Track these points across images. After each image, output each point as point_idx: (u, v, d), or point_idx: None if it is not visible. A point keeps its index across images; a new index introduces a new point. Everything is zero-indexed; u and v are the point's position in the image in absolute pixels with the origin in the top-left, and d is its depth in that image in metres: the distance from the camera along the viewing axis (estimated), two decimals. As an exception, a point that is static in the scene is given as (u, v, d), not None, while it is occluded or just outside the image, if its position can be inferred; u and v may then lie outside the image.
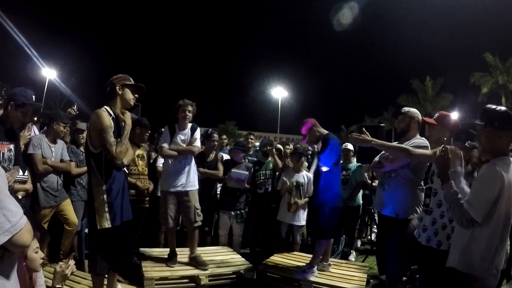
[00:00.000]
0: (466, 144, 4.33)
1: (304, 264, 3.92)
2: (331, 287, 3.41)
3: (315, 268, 3.62)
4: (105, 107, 2.59)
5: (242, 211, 4.60)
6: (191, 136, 3.75)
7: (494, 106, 1.92)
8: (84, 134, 4.16)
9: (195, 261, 3.67)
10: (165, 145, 3.66)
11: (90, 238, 2.79)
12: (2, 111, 2.80)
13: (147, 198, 4.15)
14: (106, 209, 2.50)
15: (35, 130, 4.23)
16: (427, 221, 2.47)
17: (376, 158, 3.29)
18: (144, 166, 4.17)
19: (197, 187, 3.80)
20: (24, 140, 3.42)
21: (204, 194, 4.23)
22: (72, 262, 2.02)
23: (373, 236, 5.23)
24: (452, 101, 27.57)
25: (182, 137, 3.73)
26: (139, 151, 4.07)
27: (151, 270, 3.43)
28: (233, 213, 4.49)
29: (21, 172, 3.00)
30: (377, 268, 3.66)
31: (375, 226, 5.28)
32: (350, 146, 5.13)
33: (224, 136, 6.70)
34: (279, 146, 5.35)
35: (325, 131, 3.73)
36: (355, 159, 5.16)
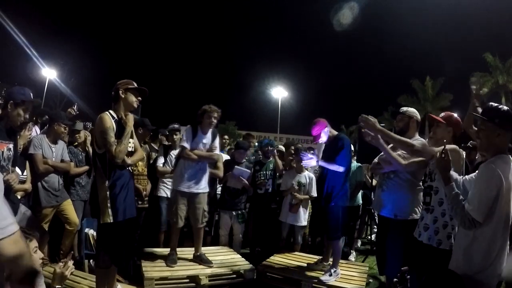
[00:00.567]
0: (469, 144, 4.33)
1: (305, 264, 3.94)
2: (331, 287, 3.41)
3: (339, 270, 3.63)
4: (109, 111, 2.77)
5: (243, 211, 4.60)
6: (212, 141, 3.82)
7: (497, 104, 1.93)
8: (81, 134, 4.19)
9: (199, 259, 3.74)
10: (187, 146, 3.69)
11: (97, 234, 2.92)
12: (1, 111, 2.81)
13: (146, 198, 4.16)
14: (108, 204, 2.65)
15: (36, 130, 4.24)
16: (428, 219, 2.46)
17: (375, 160, 3.29)
18: (143, 166, 4.20)
19: (208, 190, 3.88)
20: (25, 140, 3.42)
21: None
22: (71, 263, 2.01)
23: (373, 236, 5.23)
24: (452, 101, 27.59)
25: (204, 141, 3.78)
26: None
27: (151, 270, 3.42)
28: (234, 213, 4.49)
29: (19, 171, 3.03)
30: (377, 268, 3.66)
31: (375, 226, 5.28)
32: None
33: (226, 137, 6.71)
34: (281, 147, 5.36)
35: (335, 131, 3.70)
36: (355, 159, 5.16)
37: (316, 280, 3.51)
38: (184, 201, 3.72)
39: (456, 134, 2.66)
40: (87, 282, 3.01)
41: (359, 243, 5.61)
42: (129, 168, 2.88)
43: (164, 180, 4.31)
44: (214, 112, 3.74)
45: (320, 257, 3.99)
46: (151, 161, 4.53)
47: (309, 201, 4.48)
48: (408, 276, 2.82)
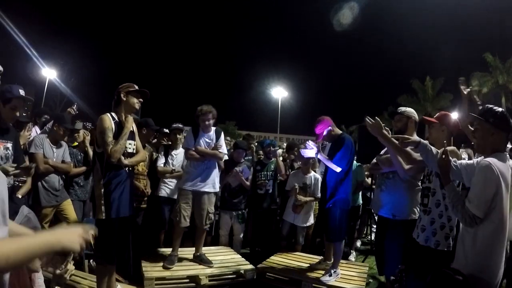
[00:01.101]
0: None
1: (305, 264, 3.94)
2: (331, 287, 3.41)
3: (339, 270, 3.63)
4: (111, 112, 2.85)
5: (244, 211, 4.60)
6: (216, 140, 3.81)
7: (493, 106, 2.00)
8: (80, 134, 4.20)
9: (199, 259, 3.74)
10: (190, 146, 3.73)
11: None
12: None
13: (145, 199, 4.14)
14: (102, 201, 2.72)
15: (36, 130, 4.24)
16: (425, 220, 2.46)
17: (374, 160, 3.29)
18: (144, 166, 4.18)
19: (216, 190, 3.87)
20: (24, 140, 3.42)
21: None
22: (71, 265, 2.01)
23: (373, 236, 5.23)
24: (452, 101, 27.58)
25: (207, 140, 3.80)
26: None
27: (151, 270, 3.43)
28: (234, 213, 4.50)
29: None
30: (377, 269, 3.66)
31: (375, 226, 5.28)
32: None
33: (229, 138, 6.71)
34: (280, 151, 5.35)
35: (340, 131, 3.67)
36: (355, 159, 5.16)
37: (316, 280, 3.51)
38: (188, 200, 3.71)
39: (452, 133, 2.66)
40: (87, 282, 3.01)
41: (359, 243, 5.61)
42: (127, 169, 2.89)
43: (165, 180, 4.30)
44: (206, 114, 3.73)
45: (321, 257, 3.99)
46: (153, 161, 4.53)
47: (315, 202, 4.48)
48: (404, 275, 2.81)
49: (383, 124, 2.76)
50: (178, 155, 4.35)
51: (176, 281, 3.43)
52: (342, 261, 4.23)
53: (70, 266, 2.01)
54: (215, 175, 3.84)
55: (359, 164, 5.04)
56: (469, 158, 2.79)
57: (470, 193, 1.88)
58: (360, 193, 5.15)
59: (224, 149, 3.88)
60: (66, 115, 4.14)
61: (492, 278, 1.82)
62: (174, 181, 4.28)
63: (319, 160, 4.09)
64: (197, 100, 3.83)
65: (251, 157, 5.32)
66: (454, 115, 2.86)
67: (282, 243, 4.55)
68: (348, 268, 3.91)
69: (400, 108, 3.28)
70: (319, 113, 3.75)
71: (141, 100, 2.96)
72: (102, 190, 2.73)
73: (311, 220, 4.54)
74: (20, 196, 3.11)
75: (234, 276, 3.69)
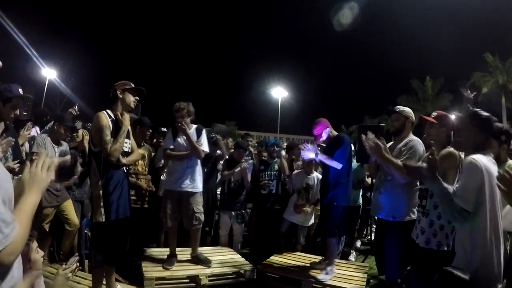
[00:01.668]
0: None
1: (305, 264, 3.93)
2: (331, 287, 3.41)
3: (334, 267, 3.65)
4: (107, 110, 2.80)
5: (243, 211, 4.60)
6: (197, 138, 3.71)
7: (478, 110, 2.12)
8: (79, 133, 4.19)
9: (197, 259, 3.71)
10: (168, 146, 3.69)
11: (91, 233, 2.96)
12: None
13: (147, 199, 4.14)
14: (101, 203, 2.67)
15: (36, 130, 4.23)
16: (424, 223, 2.46)
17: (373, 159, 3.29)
18: (144, 165, 4.17)
19: (200, 189, 3.74)
20: (24, 139, 3.41)
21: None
22: (75, 266, 2.01)
23: (373, 236, 5.23)
24: (452, 101, 27.58)
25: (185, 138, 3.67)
26: (139, 151, 4.06)
27: (151, 270, 3.42)
28: (233, 213, 4.50)
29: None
30: (377, 269, 3.66)
31: (375, 226, 5.28)
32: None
33: (231, 139, 6.71)
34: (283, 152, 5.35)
35: (335, 132, 3.76)
36: (355, 158, 5.16)
37: (316, 280, 3.51)
38: (174, 201, 3.67)
39: (450, 134, 2.67)
40: (87, 282, 3.01)
41: (359, 243, 5.61)
42: (124, 168, 2.88)
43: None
44: (180, 112, 3.61)
45: (322, 257, 3.99)
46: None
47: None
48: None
49: (383, 146, 2.83)
50: None
51: (176, 281, 3.42)
52: (342, 261, 4.24)
53: (75, 266, 2.02)
54: (198, 174, 3.73)
55: (359, 164, 5.03)
56: None
57: (456, 189, 1.96)
58: (361, 193, 5.14)
59: (205, 147, 3.76)
60: (66, 114, 4.14)
61: (494, 271, 1.83)
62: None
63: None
64: (197, 100, 3.81)
65: (250, 157, 5.32)
66: (453, 116, 2.86)
67: (280, 241, 4.55)
68: (348, 268, 3.91)
69: (398, 107, 3.28)
70: (319, 113, 3.79)
71: (137, 98, 2.92)
72: (101, 192, 2.68)
73: (312, 220, 4.55)
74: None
75: (234, 276, 3.68)
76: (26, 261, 1.67)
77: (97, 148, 2.71)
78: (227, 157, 4.78)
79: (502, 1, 25.65)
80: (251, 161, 4.57)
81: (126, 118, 2.82)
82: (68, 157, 3.53)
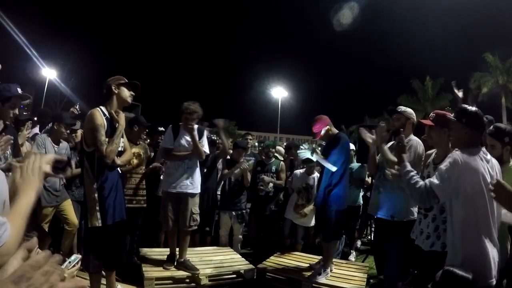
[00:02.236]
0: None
1: (305, 264, 3.93)
2: (331, 287, 3.41)
3: (328, 270, 3.61)
4: (100, 107, 2.67)
5: (243, 211, 4.60)
6: (198, 139, 3.59)
7: (467, 106, 2.12)
8: (78, 134, 4.17)
9: (183, 266, 3.51)
10: (168, 146, 3.55)
11: (83, 236, 2.84)
12: None
13: (144, 198, 4.11)
14: (97, 208, 2.56)
15: (36, 130, 4.23)
16: (424, 224, 2.45)
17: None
18: (139, 163, 4.05)
19: (198, 191, 3.67)
20: (23, 139, 3.41)
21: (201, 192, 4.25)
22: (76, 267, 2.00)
23: (373, 236, 5.23)
24: (452, 101, 27.56)
25: (188, 138, 3.56)
26: (135, 149, 4.01)
27: (151, 270, 3.42)
28: (234, 213, 4.49)
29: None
30: (376, 269, 3.66)
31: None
32: (351, 146, 5.15)
33: (231, 140, 6.72)
34: (281, 149, 5.35)
35: (336, 130, 3.67)
36: (355, 158, 5.17)
37: (310, 280, 3.51)
38: (174, 202, 3.56)
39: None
40: (86, 282, 3.00)
41: (359, 243, 5.60)
42: (118, 169, 2.78)
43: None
44: (193, 114, 3.48)
45: (321, 257, 3.99)
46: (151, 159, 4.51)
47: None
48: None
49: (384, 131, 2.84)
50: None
51: (176, 281, 3.42)
52: (342, 261, 4.23)
53: (77, 266, 2.01)
54: (198, 175, 3.65)
55: (360, 164, 5.03)
56: None
57: (436, 176, 2.00)
58: (361, 193, 5.14)
59: (206, 148, 3.68)
60: (65, 113, 4.12)
61: (482, 266, 1.83)
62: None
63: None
64: (197, 100, 3.74)
65: (252, 158, 5.32)
66: (450, 113, 2.84)
67: (285, 241, 4.55)
68: (348, 268, 3.91)
69: (400, 107, 3.28)
70: (319, 113, 3.74)
71: (132, 93, 2.79)
72: (96, 195, 2.55)
73: (313, 221, 4.53)
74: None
75: (234, 276, 3.68)
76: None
77: (90, 148, 2.57)
78: (228, 156, 4.78)
79: (502, 1, 25.65)
80: (251, 161, 4.56)
81: (122, 117, 2.69)
82: (64, 157, 3.49)
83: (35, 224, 3.26)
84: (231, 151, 4.75)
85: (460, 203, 1.91)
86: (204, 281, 3.43)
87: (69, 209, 3.70)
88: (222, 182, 4.69)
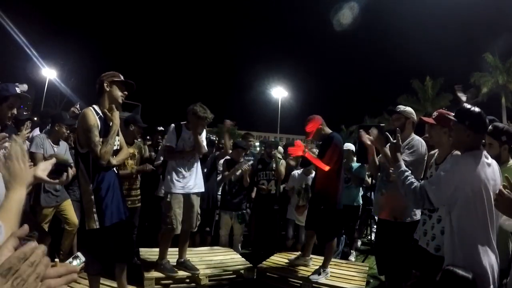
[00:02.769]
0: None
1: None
2: (331, 287, 3.41)
3: (328, 269, 3.62)
4: (93, 106, 2.59)
5: (244, 211, 4.60)
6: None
7: (469, 107, 2.01)
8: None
9: (183, 266, 3.51)
10: (173, 145, 3.44)
11: (81, 237, 2.78)
12: None
13: (139, 198, 4.05)
14: (94, 209, 2.49)
15: (37, 131, 4.23)
16: (428, 225, 2.44)
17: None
18: (133, 165, 3.99)
19: (203, 189, 3.63)
20: (23, 139, 3.41)
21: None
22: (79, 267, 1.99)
23: (373, 236, 5.23)
24: (452, 101, 27.58)
25: (191, 138, 3.52)
26: (130, 150, 3.97)
27: (151, 270, 3.42)
28: (234, 213, 4.50)
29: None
30: (377, 269, 3.65)
31: (375, 226, 5.28)
32: (351, 146, 5.15)
33: (231, 140, 6.72)
34: (280, 148, 5.36)
35: (329, 130, 3.68)
36: (355, 158, 5.16)
37: (315, 280, 3.51)
38: (181, 204, 3.48)
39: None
40: (87, 282, 3.00)
41: (359, 243, 5.60)
42: (115, 168, 2.71)
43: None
44: (203, 120, 3.42)
45: (323, 257, 3.99)
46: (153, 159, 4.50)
47: None
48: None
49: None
50: None
51: (176, 281, 3.42)
52: (342, 261, 4.23)
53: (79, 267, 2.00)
54: (201, 173, 3.62)
55: (360, 164, 5.03)
56: None
57: (433, 177, 1.94)
58: (360, 193, 5.14)
59: (204, 143, 3.61)
60: (65, 113, 4.12)
61: (482, 272, 1.80)
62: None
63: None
64: (197, 100, 3.73)
65: (252, 157, 5.33)
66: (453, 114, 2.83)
67: (287, 242, 4.55)
68: (348, 268, 3.91)
69: (399, 106, 3.26)
70: (319, 113, 3.74)
71: (126, 93, 2.68)
72: (92, 197, 2.48)
73: None
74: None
75: (234, 276, 3.68)
76: None
77: (84, 149, 2.50)
78: (228, 156, 4.78)
79: (502, 1, 25.65)
80: (251, 162, 4.56)
81: (116, 116, 2.58)
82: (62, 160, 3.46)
83: (35, 224, 3.26)
84: (230, 151, 4.75)
85: (460, 209, 1.84)
86: (204, 281, 3.43)
87: (69, 209, 3.70)
88: (223, 183, 4.70)
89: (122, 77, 2.65)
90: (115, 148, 2.64)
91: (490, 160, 1.96)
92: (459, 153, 2.35)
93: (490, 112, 2.06)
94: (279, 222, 4.84)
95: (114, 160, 2.61)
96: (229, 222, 4.52)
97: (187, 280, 3.46)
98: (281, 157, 5.14)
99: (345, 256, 4.78)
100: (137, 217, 4.08)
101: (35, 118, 4.74)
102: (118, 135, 2.69)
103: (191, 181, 3.50)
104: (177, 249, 3.66)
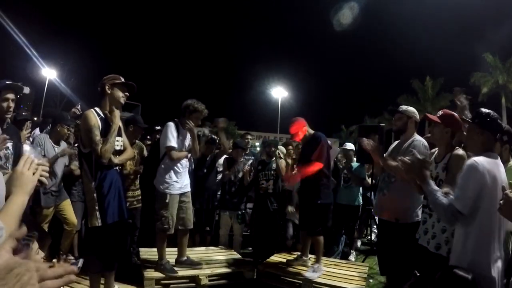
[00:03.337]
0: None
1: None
2: (331, 287, 3.41)
3: (321, 265, 3.67)
4: (95, 108, 2.68)
5: (243, 211, 4.60)
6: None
7: (488, 111, 2.01)
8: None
9: (186, 264, 3.55)
10: (175, 145, 3.37)
11: (84, 236, 2.84)
12: None
13: (137, 198, 4.05)
14: (96, 207, 2.57)
15: (37, 132, 4.23)
16: (429, 224, 2.44)
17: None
18: (132, 166, 3.99)
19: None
20: (23, 139, 3.41)
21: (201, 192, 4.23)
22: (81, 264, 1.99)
23: (373, 236, 5.23)
24: (452, 101, 27.53)
25: (188, 137, 3.55)
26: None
27: (151, 270, 3.42)
28: (234, 213, 4.49)
29: None
30: (378, 269, 3.65)
31: (375, 226, 5.28)
32: (351, 146, 5.16)
33: (231, 140, 6.72)
34: (282, 148, 5.36)
35: (312, 131, 3.81)
36: (355, 158, 5.17)
37: (311, 277, 3.51)
38: (177, 205, 3.46)
39: (454, 134, 2.64)
40: (87, 282, 3.00)
41: (359, 243, 5.60)
42: (117, 168, 2.76)
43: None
44: (197, 113, 3.45)
45: (299, 252, 3.99)
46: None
47: None
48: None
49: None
50: None
51: (176, 281, 3.42)
52: (342, 261, 4.23)
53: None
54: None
55: (360, 164, 5.03)
56: None
57: (456, 190, 1.92)
58: (360, 193, 5.14)
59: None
60: (66, 113, 4.12)
61: (487, 274, 1.81)
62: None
63: None
64: (197, 99, 3.72)
65: (252, 157, 5.33)
66: (457, 115, 2.83)
67: (288, 242, 4.55)
68: (348, 268, 3.91)
69: (402, 106, 3.25)
70: (319, 113, 3.81)
71: (127, 94, 2.76)
72: (95, 195, 2.56)
73: None
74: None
75: (234, 276, 3.68)
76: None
77: (87, 149, 2.58)
78: (227, 155, 4.78)
79: (502, 1, 25.66)
80: (250, 161, 4.57)
81: (116, 116, 2.65)
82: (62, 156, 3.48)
83: (35, 224, 3.26)
84: (230, 151, 4.76)
85: (481, 210, 1.82)
86: (204, 281, 3.43)
87: (68, 209, 3.70)
88: (222, 182, 4.69)
89: (122, 79, 2.73)
90: (118, 148, 2.71)
91: (499, 161, 1.97)
92: (459, 152, 2.35)
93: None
94: (279, 222, 4.84)
95: (117, 160, 2.68)
96: (229, 222, 4.52)
97: (187, 280, 3.46)
98: (282, 156, 5.14)
99: (345, 256, 4.78)
100: (139, 217, 4.07)
101: (35, 118, 4.74)
102: (121, 136, 2.76)
103: (186, 180, 3.56)
104: (176, 249, 3.67)
